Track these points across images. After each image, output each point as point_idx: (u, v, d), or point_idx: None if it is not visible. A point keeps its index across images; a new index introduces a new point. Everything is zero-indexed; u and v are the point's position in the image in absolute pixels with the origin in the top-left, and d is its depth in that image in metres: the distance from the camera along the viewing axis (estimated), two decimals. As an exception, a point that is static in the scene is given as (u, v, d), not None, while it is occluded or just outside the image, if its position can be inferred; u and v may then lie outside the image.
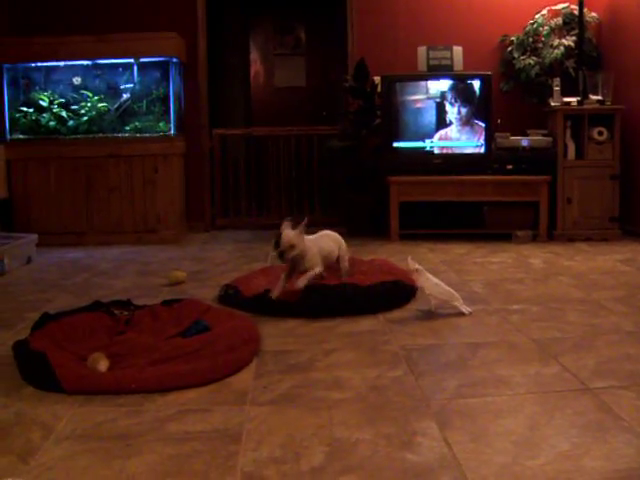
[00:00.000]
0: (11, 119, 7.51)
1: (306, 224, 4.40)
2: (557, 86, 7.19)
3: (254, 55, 10.70)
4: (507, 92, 7.86)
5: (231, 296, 4.61)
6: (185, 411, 2.97)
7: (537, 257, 6.08)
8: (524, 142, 7.16)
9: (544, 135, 7.23)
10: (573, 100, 7.13)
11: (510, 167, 7.10)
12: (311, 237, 4.62)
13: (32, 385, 3.30)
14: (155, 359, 3.48)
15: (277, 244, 4.35)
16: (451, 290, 4.24)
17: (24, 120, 7.53)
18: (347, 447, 2.59)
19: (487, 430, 2.70)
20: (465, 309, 4.24)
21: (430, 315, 4.21)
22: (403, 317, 4.28)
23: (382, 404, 2.98)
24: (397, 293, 4.54)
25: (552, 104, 7.19)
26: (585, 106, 7.04)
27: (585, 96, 7.11)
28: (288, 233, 4.30)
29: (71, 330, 3.90)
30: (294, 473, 2.41)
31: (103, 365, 3.38)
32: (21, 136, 7.53)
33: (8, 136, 7.46)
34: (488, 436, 2.65)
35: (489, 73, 7.25)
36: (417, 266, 4.11)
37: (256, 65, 10.71)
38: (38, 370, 3.33)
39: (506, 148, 7.15)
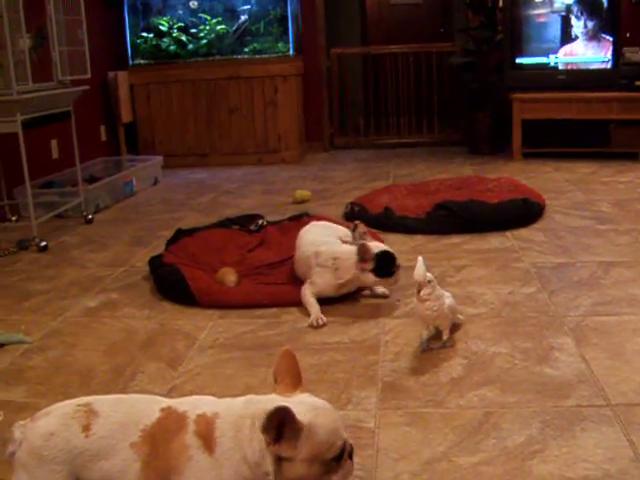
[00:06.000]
0: (132, 45, 7.66)
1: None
2: (693, -6, 6.78)
3: (369, -29, 10.49)
4: (637, 3, 7.45)
5: (357, 213, 4.65)
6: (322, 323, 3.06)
7: (667, 177, 5.85)
8: (654, 56, 6.82)
9: (677, 48, 6.87)
10: None
11: (639, 83, 6.79)
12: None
13: (167, 298, 3.48)
14: (286, 277, 3.57)
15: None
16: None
17: (145, 45, 7.65)
18: (484, 360, 2.62)
19: (624, 348, 2.68)
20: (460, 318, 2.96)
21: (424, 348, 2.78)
22: (532, 235, 4.23)
23: (517, 320, 2.99)
24: (526, 211, 4.47)
25: (687, 14, 6.80)
26: None
27: None
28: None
29: (204, 245, 4.04)
30: (434, 383, 2.47)
31: (231, 280, 3.50)
32: (142, 61, 7.67)
33: (130, 61, 7.62)
34: (625, 354, 2.63)
35: (619, -17, 6.89)
36: (429, 276, 2.68)
37: (371, -18, 10.51)
38: (173, 283, 3.48)
39: (635, 63, 6.81)
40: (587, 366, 2.53)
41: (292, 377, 1.65)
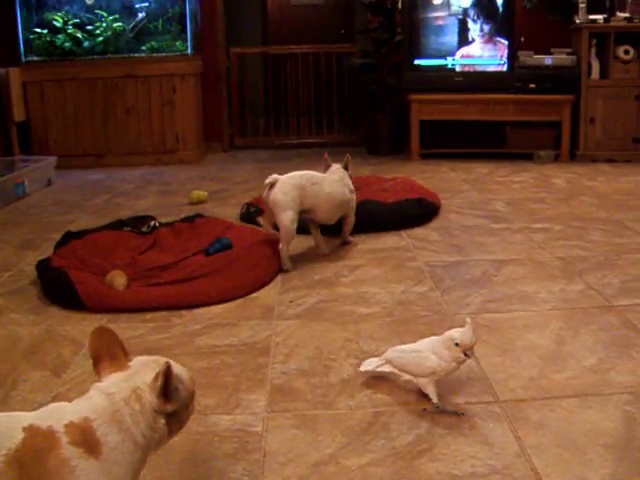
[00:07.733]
0: (25, 41, 7.39)
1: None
2: (583, 2, 6.97)
3: (270, -29, 10.45)
4: (531, 9, 7.64)
5: (253, 214, 4.60)
6: (213, 326, 3.00)
7: (559, 177, 6.00)
8: (547, 60, 6.99)
9: (568, 54, 7.06)
10: (599, 17, 6.91)
11: (533, 86, 6.96)
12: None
13: (55, 303, 3.35)
14: (178, 277, 3.50)
15: None
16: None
17: (38, 41, 7.40)
18: (375, 360, 2.60)
19: (513, 344, 2.72)
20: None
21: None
22: (426, 234, 4.27)
23: (408, 319, 2.99)
24: (421, 210, 4.52)
25: (577, 21, 6.98)
26: (612, 23, 6.83)
27: (612, 13, 6.91)
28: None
29: (94, 247, 3.92)
30: (324, 385, 2.44)
31: (120, 283, 3.39)
32: (36, 58, 7.40)
33: (23, 58, 7.35)
34: (515, 350, 2.67)
35: (513, -11, 7.05)
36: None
37: (272, -18, 10.48)
38: (60, 288, 3.36)
39: (529, 67, 6.99)
40: (477, 363, 2.55)
41: (119, 351, 1.66)
